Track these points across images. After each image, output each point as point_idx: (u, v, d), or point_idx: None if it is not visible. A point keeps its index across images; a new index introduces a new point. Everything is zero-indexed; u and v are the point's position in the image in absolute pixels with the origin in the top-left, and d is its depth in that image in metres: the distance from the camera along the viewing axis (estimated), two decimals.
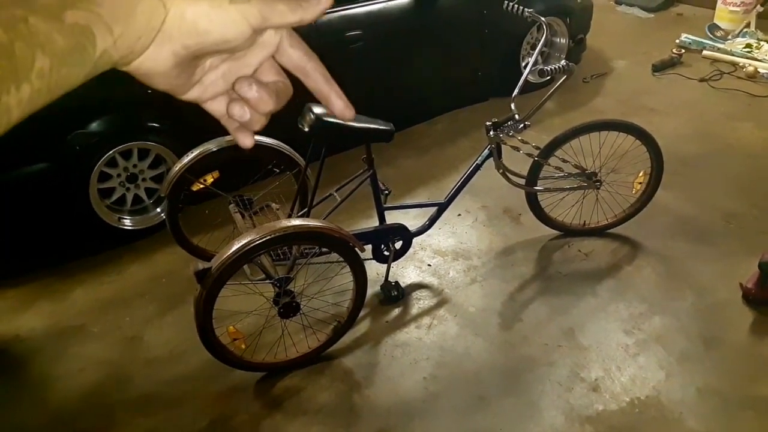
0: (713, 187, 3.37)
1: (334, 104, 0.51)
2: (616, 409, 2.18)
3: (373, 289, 2.65)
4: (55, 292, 2.81)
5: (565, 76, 2.47)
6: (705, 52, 5.06)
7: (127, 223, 3.07)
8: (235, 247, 1.98)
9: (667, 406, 2.19)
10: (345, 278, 2.42)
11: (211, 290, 2.00)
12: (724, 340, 2.44)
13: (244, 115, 0.49)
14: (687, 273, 2.78)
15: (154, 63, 0.43)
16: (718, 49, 5.06)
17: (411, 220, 2.80)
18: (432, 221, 2.72)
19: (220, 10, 0.42)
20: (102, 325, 2.64)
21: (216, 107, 0.52)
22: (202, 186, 2.55)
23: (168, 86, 0.47)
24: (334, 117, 2.20)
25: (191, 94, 0.50)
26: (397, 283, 2.73)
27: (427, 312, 2.64)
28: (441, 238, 3.07)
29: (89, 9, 0.36)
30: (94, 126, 2.80)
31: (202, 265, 2.00)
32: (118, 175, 2.98)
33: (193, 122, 3.01)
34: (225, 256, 1.97)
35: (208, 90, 0.50)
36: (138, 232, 3.09)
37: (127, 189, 3.04)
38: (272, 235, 2.00)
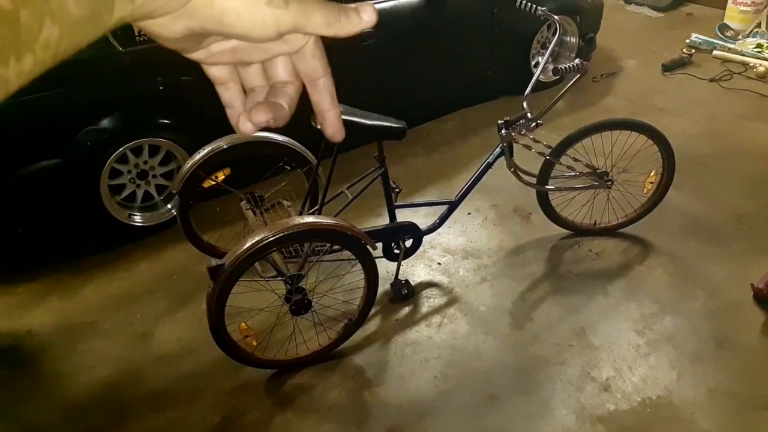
0: (724, 187, 3.36)
1: (330, 125, 0.50)
2: (627, 409, 2.18)
3: (383, 287, 2.65)
4: (66, 289, 2.82)
5: (578, 75, 2.46)
6: (715, 52, 5.04)
7: (138, 219, 3.07)
8: (248, 244, 1.98)
9: (678, 406, 2.18)
10: (356, 276, 2.43)
11: (223, 287, 2.00)
12: (736, 341, 2.43)
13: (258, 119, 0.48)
14: (698, 273, 2.77)
15: (163, 29, 0.41)
16: (729, 49, 5.04)
17: (421, 218, 2.80)
18: (442, 219, 2.72)
19: (253, 10, 0.40)
20: (113, 321, 2.65)
21: (216, 73, 0.50)
22: (213, 183, 2.55)
23: (172, 46, 0.45)
24: (343, 113, 2.21)
25: (195, 55, 0.48)
26: (407, 281, 2.72)
27: (437, 310, 2.64)
28: (451, 236, 3.07)
29: None
30: (105, 123, 2.80)
31: (215, 261, 2.00)
32: (129, 172, 2.99)
33: (203, 119, 3.05)
34: (238, 253, 1.97)
35: (213, 57, 0.48)
36: (148, 229, 3.09)
37: (138, 185, 3.04)
38: (285, 232, 2.00)
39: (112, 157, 2.84)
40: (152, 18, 0.39)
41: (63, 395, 2.36)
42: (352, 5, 0.44)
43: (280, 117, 0.49)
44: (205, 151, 2.47)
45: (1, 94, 0.31)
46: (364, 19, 0.44)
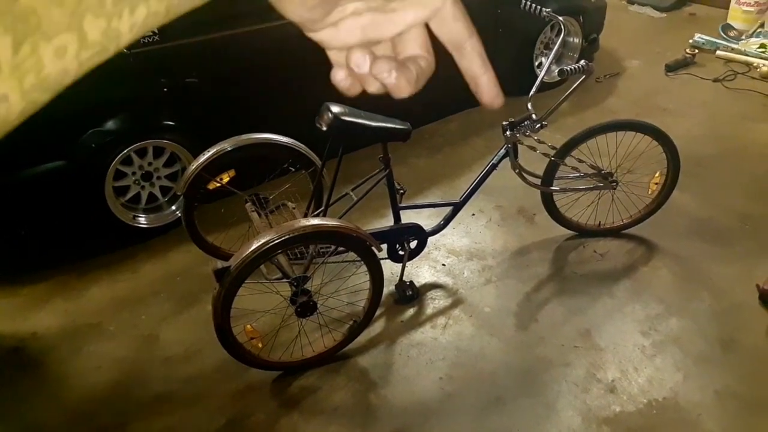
0: (728, 188, 3.35)
1: (486, 91, 0.46)
2: (633, 411, 2.17)
3: (387, 288, 2.65)
4: (71, 290, 2.82)
5: (583, 76, 2.46)
6: (718, 53, 5.03)
7: (142, 221, 3.07)
8: (254, 246, 1.98)
9: (685, 407, 2.18)
10: (361, 278, 2.42)
11: (229, 289, 2.00)
12: (742, 342, 2.42)
13: (371, 88, 0.44)
14: (703, 274, 2.77)
15: None
16: (732, 50, 5.03)
17: (425, 219, 2.80)
18: (447, 221, 2.71)
19: None
20: (118, 323, 2.65)
21: (339, 58, 0.45)
22: (218, 184, 2.55)
23: (298, 17, 0.40)
24: (348, 115, 2.23)
25: (320, 35, 0.43)
26: (411, 282, 2.72)
27: (442, 312, 2.64)
28: (455, 237, 3.06)
29: None
30: (109, 124, 2.80)
31: (220, 264, 2.00)
32: (133, 173, 2.98)
33: (208, 121, 3.06)
34: (244, 255, 1.97)
35: (340, 37, 0.43)
36: (152, 230, 3.09)
37: (142, 187, 3.04)
38: (291, 234, 2.00)
39: (116, 159, 2.84)
40: None
41: (68, 397, 2.36)
42: None
43: (405, 78, 0.43)
44: (210, 153, 2.47)
45: (112, 48, 0.30)
46: None
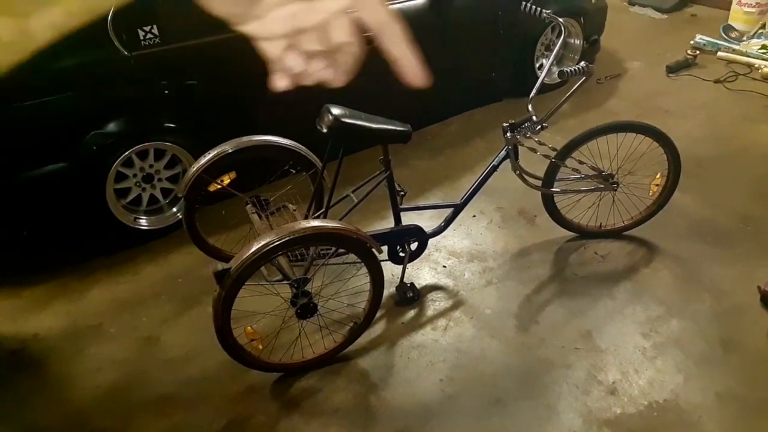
0: (730, 189, 3.35)
1: (406, 72, 0.48)
2: (634, 413, 2.17)
3: (388, 290, 2.65)
4: (72, 292, 2.82)
5: (584, 78, 2.46)
6: (720, 54, 5.03)
7: (143, 223, 3.08)
8: (254, 248, 1.98)
9: (685, 409, 2.17)
10: (361, 279, 2.42)
11: (230, 291, 2.00)
12: (743, 344, 2.42)
13: (308, 82, 0.46)
14: (704, 276, 2.76)
15: None
16: (733, 51, 5.02)
17: (426, 221, 2.80)
18: (448, 222, 2.72)
19: None
20: (119, 324, 2.65)
21: (269, 48, 0.47)
22: (219, 186, 2.55)
23: (224, 11, 0.42)
24: (349, 117, 2.22)
25: (248, 28, 0.45)
26: (412, 284, 2.72)
27: (442, 314, 2.64)
28: (456, 239, 3.06)
29: None
30: (111, 126, 2.81)
31: (221, 265, 2.00)
32: (134, 175, 2.99)
33: (209, 123, 3.06)
34: (244, 257, 1.97)
35: (267, 28, 0.45)
36: (153, 232, 3.10)
37: (143, 189, 3.05)
38: (292, 236, 2.00)
39: (117, 161, 2.85)
40: None
41: (68, 398, 2.36)
42: None
43: (339, 70, 0.46)
44: (211, 155, 2.47)
45: (31, 47, 0.30)
46: None
